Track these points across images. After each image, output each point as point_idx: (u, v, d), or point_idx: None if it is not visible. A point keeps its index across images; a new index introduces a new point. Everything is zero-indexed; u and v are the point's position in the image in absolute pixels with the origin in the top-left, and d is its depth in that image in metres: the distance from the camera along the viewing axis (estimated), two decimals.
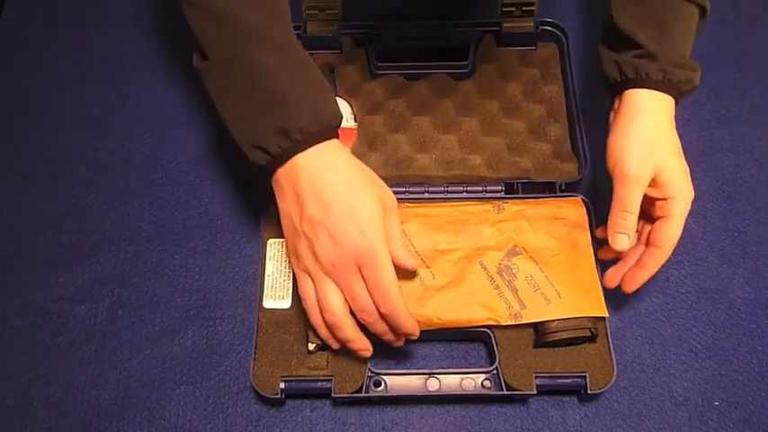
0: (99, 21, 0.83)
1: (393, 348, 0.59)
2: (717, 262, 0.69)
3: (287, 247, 0.61)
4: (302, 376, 0.59)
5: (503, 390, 0.59)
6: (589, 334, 0.60)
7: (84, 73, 0.80)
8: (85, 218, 0.71)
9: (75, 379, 0.63)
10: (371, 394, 0.59)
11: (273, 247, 0.65)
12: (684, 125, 0.76)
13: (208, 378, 0.63)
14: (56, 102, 0.78)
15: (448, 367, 0.62)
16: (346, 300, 0.54)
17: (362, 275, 0.52)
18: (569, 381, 0.60)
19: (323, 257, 0.52)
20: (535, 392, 0.59)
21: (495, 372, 0.60)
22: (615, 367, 0.60)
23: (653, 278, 0.67)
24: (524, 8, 0.73)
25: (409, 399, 0.61)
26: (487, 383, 0.59)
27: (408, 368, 0.61)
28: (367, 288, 0.53)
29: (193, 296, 0.67)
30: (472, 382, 0.59)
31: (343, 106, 0.73)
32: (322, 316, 0.55)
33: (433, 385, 0.59)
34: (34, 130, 0.76)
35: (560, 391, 0.62)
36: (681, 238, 0.70)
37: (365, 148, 0.70)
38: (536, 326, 0.61)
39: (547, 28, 0.76)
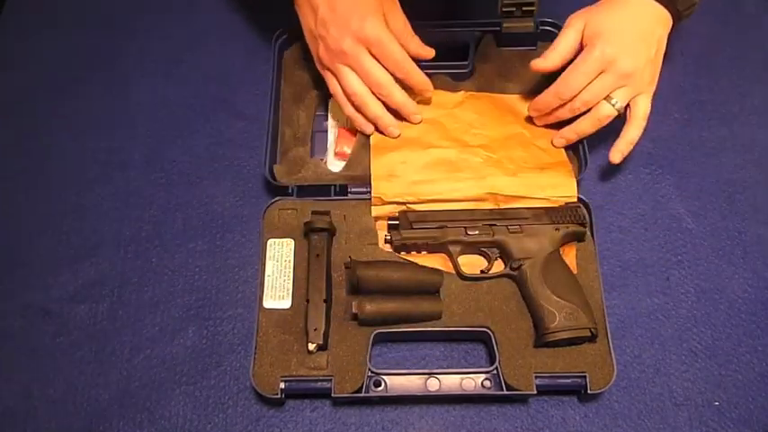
0: (99, 21, 0.83)
1: (391, 348, 0.60)
2: (717, 262, 0.69)
3: (314, 57, 0.68)
4: (302, 376, 0.59)
5: (503, 390, 0.59)
6: (589, 334, 0.60)
7: (84, 73, 0.80)
8: (85, 218, 0.71)
9: (75, 379, 0.63)
10: (371, 394, 0.59)
11: (273, 247, 0.65)
12: (684, 125, 0.76)
13: (208, 378, 0.63)
14: (56, 102, 0.78)
15: (448, 367, 0.62)
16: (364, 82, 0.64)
17: (373, 55, 0.63)
18: (569, 381, 0.60)
19: (334, 47, 0.63)
20: (535, 392, 0.59)
21: (495, 372, 0.60)
22: (615, 367, 0.60)
23: (653, 278, 0.68)
24: (524, 8, 0.73)
25: (409, 399, 0.61)
26: (487, 383, 0.59)
27: (408, 368, 0.62)
28: (381, 65, 0.64)
29: (193, 296, 0.67)
30: (472, 382, 0.59)
31: None
32: (351, 104, 0.67)
33: (432, 385, 0.59)
34: (34, 130, 0.76)
35: (560, 392, 0.62)
36: (681, 237, 0.70)
37: (366, 148, 0.70)
38: (536, 326, 0.61)
39: (547, 28, 0.76)
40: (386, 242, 0.65)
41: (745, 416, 0.62)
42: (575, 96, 0.65)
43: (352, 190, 0.68)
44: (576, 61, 0.65)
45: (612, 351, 0.61)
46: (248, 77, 0.78)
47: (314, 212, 0.65)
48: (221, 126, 0.76)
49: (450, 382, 0.59)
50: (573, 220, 0.65)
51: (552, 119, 0.69)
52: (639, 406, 0.62)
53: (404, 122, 0.70)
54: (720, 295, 0.67)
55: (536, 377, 0.59)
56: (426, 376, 0.60)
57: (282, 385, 0.59)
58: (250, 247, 0.69)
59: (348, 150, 0.71)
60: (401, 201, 0.67)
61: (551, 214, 0.65)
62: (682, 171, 0.73)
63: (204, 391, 0.63)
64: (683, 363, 0.64)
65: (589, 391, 0.59)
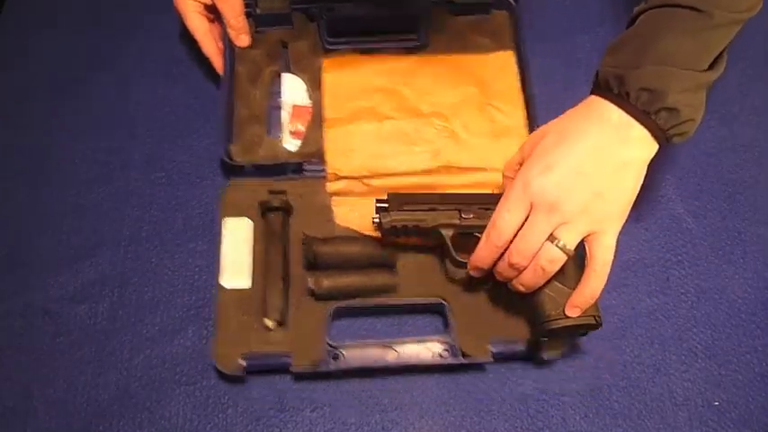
0: (99, 21, 0.83)
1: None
2: (717, 262, 0.69)
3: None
4: (262, 353, 0.60)
5: (459, 358, 0.59)
6: (594, 322, 0.56)
7: (84, 73, 0.80)
8: (85, 218, 0.71)
9: (75, 379, 0.63)
10: (330, 368, 0.60)
11: (230, 227, 0.65)
12: None
13: (208, 378, 0.63)
14: (55, 102, 0.78)
15: (405, 338, 0.62)
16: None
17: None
18: (525, 348, 0.60)
19: None
20: (492, 360, 0.59)
21: (450, 341, 0.60)
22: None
23: (653, 278, 0.68)
24: None
25: (369, 371, 0.62)
26: (445, 353, 0.60)
27: (366, 340, 0.62)
28: None
29: (193, 296, 0.67)
30: (429, 351, 0.60)
31: (298, 83, 0.74)
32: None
33: (391, 356, 0.60)
34: (34, 129, 0.76)
35: (516, 359, 0.62)
36: (681, 237, 0.70)
37: (320, 125, 0.70)
38: (535, 315, 0.58)
39: None
40: (374, 224, 0.62)
41: (745, 416, 0.62)
42: (509, 245, 0.55)
43: (307, 168, 0.68)
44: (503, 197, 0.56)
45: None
46: None
47: (270, 191, 0.66)
48: (220, 126, 0.76)
49: (408, 352, 0.60)
50: None
51: (500, 277, 0.58)
52: (639, 406, 0.62)
53: (357, 95, 0.71)
54: (720, 295, 0.67)
55: (491, 345, 0.60)
56: (384, 348, 0.60)
57: (243, 362, 0.60)
58: None
59: (303, 128, 0.71)
60: (356, 175, 0.67)
61: None
62: (682, 171, 0.73)
63: (204, 391, 0.63)
64: (683, 363, 0.64)
65: (545, 358, 0.60)
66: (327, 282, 0.62)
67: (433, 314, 0.65)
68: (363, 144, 0.68)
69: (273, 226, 0.64)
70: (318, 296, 0.62)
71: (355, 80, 0.72)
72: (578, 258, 0.56)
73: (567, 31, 0.81)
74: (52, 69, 0.80)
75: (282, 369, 0.61)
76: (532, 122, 0.70)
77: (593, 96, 0.56)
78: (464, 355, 0.60)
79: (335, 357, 0.60)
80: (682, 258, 0.69)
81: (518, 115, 0.70)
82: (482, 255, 0.57)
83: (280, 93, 0.74)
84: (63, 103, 0.78)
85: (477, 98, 0.71)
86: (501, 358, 0.61)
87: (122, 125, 0.76)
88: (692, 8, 0.52)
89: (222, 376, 0.62)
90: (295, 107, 0.72)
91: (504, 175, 0.62)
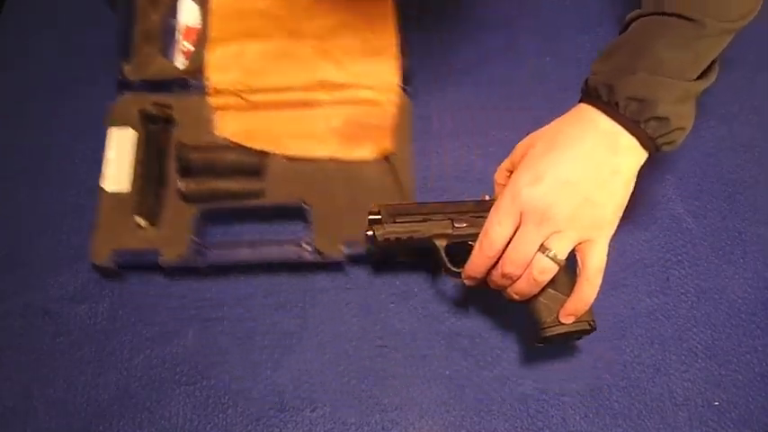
0: (99, 21, 0.83)
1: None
2: (717, 262, 0.69)
3: None
4: (132, 248, 0.65)
5: (315, 255, 0.64)
6: (588, 327, 0.57)
7: (84, 73, 0.80)
8: (85, 218, 0.71)
9: (75, 379, 0.63)
10: (197, 263, 0.64)
11: (115, 136, 0.70)
12: None
13: (208, 378, 0.63)
14: (56, 102, 0.78)
15: (269, 239, 0.67)
16: None
17: None
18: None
19: None
20: (344, 258, 0.64)
21: (309, 240, 0.65)
22: None
23: (652, 278, 0.68)
24: None
25: (234, 268, 0.66)
26: (304, 253, 0.64)
27: (230, 240, 0.67)
28: None
29: (193, 296, 0.67)
30: (288, 250, 0.65)
31: (193, 7, 0.77)
32: None
33: (253, 254, 0.65)
34: (34, 129, 0.76)
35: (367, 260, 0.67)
36: (681, 237, 0.70)
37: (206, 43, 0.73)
38: (531, 322, 0.58)
39: None
40: (367, 238, 0.61)
41: (745, 416, 0.62)
42: (501, 255, 0.55)
43: (192, 83, 0.72)
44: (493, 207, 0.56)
45: None
46: None
47: (155, 104, 0.70)
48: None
49: (268, 250, 0.65)
50: None
51: (494, 286, 0.58)
52: (639, 406, 0.62)
53: (241, 17, 0.74)
54: (720, 295, 0.67)
55: (345, 246, 0.64)
56: (246, 247, 0.65)
57: (114, 257, 0.64)
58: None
59: (192, 48, 0.75)
60: (235, 90, 0.71)
61: None
62: (682, 171, 0.73)
63: (204, 391, 0.63)
64: (683, 363, 0.64)
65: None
66: (196, 185, 0.67)
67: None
68: (244, 61, 0.72)
69: (153, 134, 0.69)
70: (188, 198, 0.67)
71: (240, 3, 0.76)
72: (572, 265, 0.56)
73: (567, 30, 0.81)
74: (52, 69, 0.80)
75: (152, 265, 0.64)
76: (403, 43, 0.74)
77: (582, 104, 0.56)
78: (319, 254, 0.64)
79: (201, 254, 0.64)
80: (682, 258, 0.69)
81: (389, 36, 0.74)
82: (475, 265, 0.57)
83: (176, 15, 0.77)
84: (63, 103, 0.78)
85: (353, 20, 0.75)
86: (353, 259, 0.66)
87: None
88: (683, 17, 0.52)
89: (100, 271, 0.66)
90: (187, 28, 0.76)
91: (495, 182, 0.62)
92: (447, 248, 0.60)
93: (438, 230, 0.60)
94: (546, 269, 0.54)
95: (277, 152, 0.69)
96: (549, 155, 0.54)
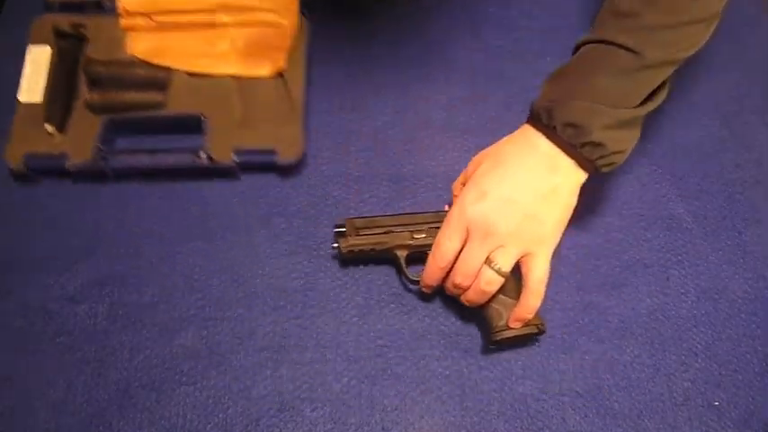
0: None
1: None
2: (717, 262, 0.69)
3: None
4: (42, 153, 0.70)
5: (210, 161, 0.69)
6: (537, 331, 0.61)
7: None
8: (85, 218, 0.71)
9: (75, 379, 0.63)
10: (100, 168, 0.70)
11: (33, 53, 0.75)
12: (684, 125, 0.76)
13: (208, 378, 0.63)
14: None
15: (167, 147, 0.71)
16: None
17: None
18: (263, 156, 0.70)
19: None
20: (234, 164, 0.69)
21: (203, 148, 0.69)
22: (303, 145, 0.70)
23: (653, 278, 0.68)
24: None
25: (136, 173, 0.71)
26: (198, 159, 0.69)
27: (133, 147, 0.73)
28: None
29: (193, 296, 0.67)
30: (185, 157, 0.70)
31: None
32: None
33: (153, 160, 0.70)
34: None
35: (257, 168, 0.71)
36: (681, 237, 0.70)
37: None
38: (484, 326, 0.63)
39: None
40: (334, 250, 0.67)
41: (745, 416, 0.62)
42: (452, 266, 0.60)
43: (106, 5, 0.77)
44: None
45: (302, 132, 0.71)
46: None
47: (70, 23, 0.75)
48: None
49: (167, 157, 0.70)
50: None
51: (449, 293, 0.63)
52: (639, 406, 0.62)
53: None
54: (720, 295, 0.67)
55: (235, 152, 0.69)
56: (146, 154, 0.71)
57: (25, 161, 0.69)
58: (251, 248, 0.69)
59: None
60: (144, 11, 0.75)
61: None
62: (682, 171, 0.73)
63: (204, 391, 0.63)
64: (683, 363, 0.64)
65: (278, 163, 0.69)
66: (102, 96, 0.72)
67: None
68: None
69: (64, 51, 0.75)
70: (94, 108, 0.72)
71: None
72: (519, 274, 0.60)
73: (567, 30, 0.81)
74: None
75: (60, 169, 0.69)
76: None
77: (526, 125, 0.59)
78: (211, 160, 0.69)
79: (104, 159, 0.70)
80: (682, 258, 0.69)
81: None
82: (430, 274, 0.61)
83: None
84: None
85: None
86: (243, 166, 0.71)
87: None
88: (626, 48, 0.54)
89: (14, 176, 0.71)
90: None
91: (453, 195, 0.66)
92: (407, 258, 0.65)
93: (399, 242, 0.65)
94: (492, 281, 0.58)
95: (181, 69, 0.74)
96: (493, 173, 0.58)
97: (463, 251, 0.58)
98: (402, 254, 0.65)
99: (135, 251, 0.69)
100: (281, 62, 0.74)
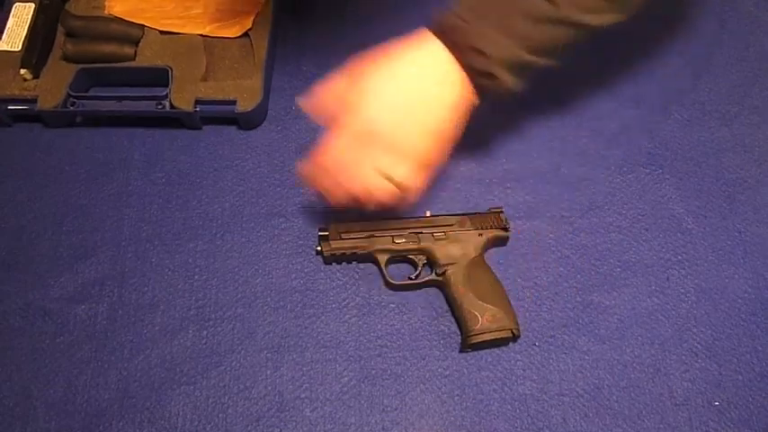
0: None
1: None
2: (717, 262, 0.69)
3: None
4: (16, 95, 0.74)
5: (172, 109, 0.73)
6: (511, 335, 0.63)
7: None
8: (85, 218, 0.71)
9: (75, 379, 0.63)
10: (69, 109, 0.73)
11: (18, 9, 0.80)
12: (684, 125, 0.76)
13: (208, 378, 0.63)
14: None
15: (134, 95, 0.73)
16: None
17: None
18: (222, 106, 0.73)
19: None
20: (194, 111, 0.72)
21: (166, 97, 0.73)
22: (262, 95, 0.73)
23: (653, 278, 0.68)
24: None
25: (105, 120, 0.75)
26: (161, 107, 0.72)
27: (103, 94, 0.75)
28: None
29: (193, 296, 0.67)
30: (149, 103, 0.73)
31: None
32: None
33: (119, 106, 0.73)
34: (34, 129, 0.76)
35: (219, 121, 0.75)
36: (681, 237, 0.70)
37: None
38: (461, 329, 0.64)
39: None
40: (317, 253, 0.68)
41: (745, 416, 0.62)
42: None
43: None
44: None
45: (263, 83, 0.74)
46: None
47: None
48: (221, 126, 0.76)
49: (132, 104, 0.73)
50: (496, 225, 0.67)
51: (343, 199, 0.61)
52: (639, 406, 0.62)
53: None
54: (720, 295, 0.67)
55: (196, 102, 0.73)
56: (113, 100, 0.73)
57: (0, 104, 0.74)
58: (250, 247, 0.69)
59: None
60: None
61: (475, 220, 0.67)
62: (682, 171, 0.73)
63: (204, 391, 0.63)
64: (683, 363, 0.64)
65: (236, 111, 0.72)
66: (76, 47, 0.77)
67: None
68: None
69: (45, 6, 0.79)
70: (69, 58, 0.76)
71: None
72: (496, 278, 0.64)
73: None
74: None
75: (33, 114, 0.73)
76: None
77: (426, 31, 0.57)
78: (173, 107, 0.73)
79: (73, 104, 0.73)
80: (682, 258, 0.69)
81: None
82: (317, 174, 0.60)
83: None
84: None
85: None
86: (205, 117, 0.74)
87: (122, 125, 0.76)
88: None
89: None
90: None
91: (323, 97, 0.61)
92: (387, 262, 0.66)
93: (380, 246, 0.67)
94: (378, 186, 0.57)
95: (155, 27, 0.78)
96: (380, 78, 0.57)
97: (348, 156, 0.57)
98: (383, 258, 0.66)
99: (135, 251, 0.69)
100: (248, 25, 0.78)
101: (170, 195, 0.72)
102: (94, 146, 0.75)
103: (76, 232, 0.70)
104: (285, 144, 0.75)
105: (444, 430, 0.61)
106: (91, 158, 0.74)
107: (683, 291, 0.67)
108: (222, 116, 0.75)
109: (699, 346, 0.65)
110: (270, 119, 0.77)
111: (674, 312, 0.66)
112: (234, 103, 0.73)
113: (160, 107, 0.73)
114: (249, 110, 0.73)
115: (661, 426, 0.61)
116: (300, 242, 0.69)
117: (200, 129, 0.76)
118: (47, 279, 0.67)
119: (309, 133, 0.75)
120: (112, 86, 0.77)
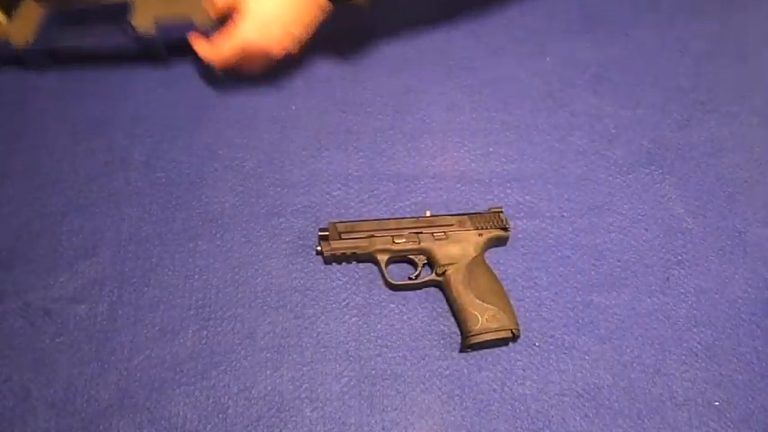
0: None
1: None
2: (717, 262, 0.69)
3: None
4: None
5: (130, 33, 0.75)
6: (511, 335, 0.63)
7: (85, 73, 0.80)
8: (85, 218, 0.71)
9: (75, 379, 0.63)
10: (40, 46, 0.77)
11: None
12: (684, 125, 0.76)
13: (208, 378, 0.63)
14: (56, 101, 0.78)
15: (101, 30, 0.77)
16: None
17: None
18: (182, 26, 0.75)
19: None
20: (153, 34, 0.74)
21: (128, 22, 0.75)
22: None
23: (653, 278, 0.68)
24: None
25: (78, 58, 0.79)
26: (126, 37, 0.76)
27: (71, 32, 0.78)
28: None
29: (193, 296, 0.67)
30: (115, 29, 0.76)
31: None
32: None
33: (88, 42, 0.78)
34: (34, 129, 0.76)
35: (183, 45, 0.75)
36: (681, 237, 0.70)
37: None
38: (461, 329, 0.64)
39: None
40: (317, 253, 0.68)
41: (745, 416, 0.62)
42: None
43: None
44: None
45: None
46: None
47: None
48: (221, 126, 0.76)
49: (100, 39, 0.77)
50: (496, 225, 0.67)
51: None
52: (639, 406, 0.62)
53: None
54: (720, 295, 0.67)
55: (156, 23, 0.75)
56: (90, 37, 0.77)
57: None
58: (250, 247, 0.69)
59: None
60: None
61: (475, 220, 0.68)
62: (682, 171, 0.73)
63: (204, 392, 0.63)
64: (683, 363, 0.64)
65: (196, 28, 0.73)
66: None
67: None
68: None
69: None
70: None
71: None
72: (496, 278, 0.64)
73: (566, 31, 0.81)
74: (52, 69, 0.80)
75: (11, 57, 0.77)
76: None
77: None
78: (134, 30, 0.75)
79: (43, 42, 0.77)
80: (682, 258, 0.69)
81: None
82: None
83: None
84: (63, 103, 0.78)
85: None
86: (167, 38, 0.76)
87: (122, 125, 0.76)
88: None
89: None
90: None
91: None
92: (388, 262, 0.67)
93: (380, 246, 0.67)
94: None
95: None
96: None
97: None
98: (383, 258, 0.67)
99: (135, 251, 0.69)
100: None
101: (170, 195, 0.72)
102: (95, 146, 0.75)
103: (76, 232, 0.70)
104: (285, 144, 0.75)
105: (444, 430, 0.61)
106: (91, 158, 0.74)
107: (683, 291, 0.67)
108: (181, 36, 0.76)
109: (699, 346, 0.65)
110: (270, 119, 0.77)
111: (673, 312, 0.66)
112: (191, 22, 0.75)
113: (125, 33, 0.76)
114: (208, 28, 0.75)
115: (661, 426, 0.61)
116: (300, 242, 0.69)
117: (166, 60, 0.79)
118: (47, 279, 0.67)
119: (309, 133, 0.75)
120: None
